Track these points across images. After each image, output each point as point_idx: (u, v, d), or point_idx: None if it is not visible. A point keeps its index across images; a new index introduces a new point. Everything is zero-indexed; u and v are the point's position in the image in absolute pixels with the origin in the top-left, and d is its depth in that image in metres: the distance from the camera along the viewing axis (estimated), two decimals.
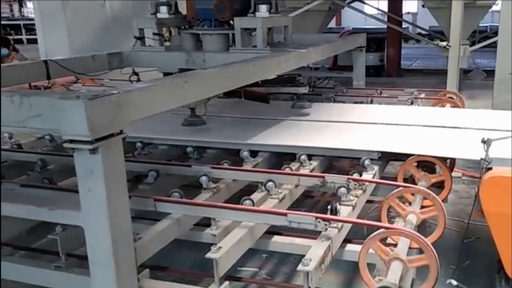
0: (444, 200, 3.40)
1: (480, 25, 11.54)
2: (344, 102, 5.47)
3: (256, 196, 3.06)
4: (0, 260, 2.62)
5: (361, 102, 5.41)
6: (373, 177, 3.35)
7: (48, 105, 2.15)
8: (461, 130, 4.05)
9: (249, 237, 2.76)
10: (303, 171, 3.47)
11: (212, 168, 3.36)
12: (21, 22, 24.62)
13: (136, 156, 3.82)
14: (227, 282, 2.52)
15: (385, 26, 13.60)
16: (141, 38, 4.70)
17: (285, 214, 2.64)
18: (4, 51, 8.22)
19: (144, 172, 3.35)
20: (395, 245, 2.63)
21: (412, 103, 5.27)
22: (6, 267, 2.65)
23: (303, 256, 2.45)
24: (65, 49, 6.35)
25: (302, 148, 3.69)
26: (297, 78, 4.84)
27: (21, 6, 27.75)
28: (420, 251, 2.55)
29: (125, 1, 7.26)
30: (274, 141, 3.88)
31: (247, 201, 2.87)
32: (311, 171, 3.50)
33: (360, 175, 3.30)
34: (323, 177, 3.20)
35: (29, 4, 27.26)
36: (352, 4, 11.47)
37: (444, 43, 6.73)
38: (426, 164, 3.53)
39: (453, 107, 5.19)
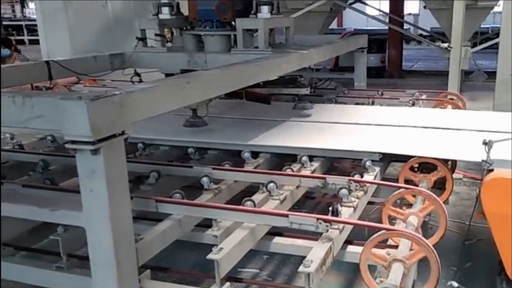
0: (445, 201, 3.40)
1: (482, 26, 11.52)
2: (345, 103, 5.47)
3: (257, 197, 3.06)
4: (0, 260, 2.63)
5: (363, 104, 5.42)
6: (374, 178, 3.35)
7: (50, 106, 2.15)
8: (462, 132, 4.05)
9: (250, 238, 2.76)
10: (304, 172, 3.47)
11: (214, 169, 3.36)
12: (23, 23, 24.72)
13: (137, 157, 3.83)
14: (228, 283, 2.52)
15: (387, 27, 13.60)
16: (143, 39, 4.71)
17: (286, 215, 2.64)
18: (6, 51, 8.25)
19: (145, 173, 3.36)
20: (396, 247, 2.63)
21: (413, 105, 5.28)
22: (7, 267, 2.65)
23: (304, 257, 2.45)
24: (67, 50, 6.37)
25: (303, 149, 3.69)
26: (298, 79, 4.85)
27: (23, 6, 27.84)
28: None
29: (127, 1, 7.28)
30: (276, 142, 3.88)
31: (248, 202, 2.87)
32: (312, 172, 3.50)
33: (361, 177, 3.30)
34: (324, 178, 3.20)
35: (31, 5, 27.33)
36: (353, 5, 11.47)
37: (446, 45, 6.74)
38: (428, 166, 3.53)
39: (455, 108, 5.19)
